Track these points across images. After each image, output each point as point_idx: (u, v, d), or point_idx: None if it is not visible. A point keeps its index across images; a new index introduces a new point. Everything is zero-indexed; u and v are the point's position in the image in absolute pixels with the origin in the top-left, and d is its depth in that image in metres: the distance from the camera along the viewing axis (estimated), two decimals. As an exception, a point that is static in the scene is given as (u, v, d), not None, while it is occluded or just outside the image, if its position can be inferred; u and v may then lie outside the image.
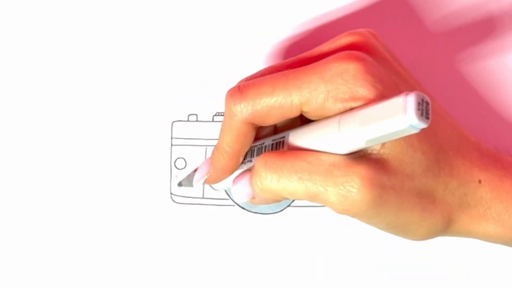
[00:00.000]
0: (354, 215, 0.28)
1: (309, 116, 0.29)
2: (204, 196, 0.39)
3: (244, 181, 0.32)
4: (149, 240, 0.39)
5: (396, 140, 0.28)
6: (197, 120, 0.39)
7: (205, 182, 0.35)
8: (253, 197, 0.32)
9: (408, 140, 0.28)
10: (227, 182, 0.34)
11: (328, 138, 0.28)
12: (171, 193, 0.39)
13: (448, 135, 0.31)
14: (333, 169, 0.28)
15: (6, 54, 0.39)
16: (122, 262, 0.39)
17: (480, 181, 0.31)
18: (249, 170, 0.32)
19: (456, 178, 0.30)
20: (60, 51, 0.39)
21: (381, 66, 0.29)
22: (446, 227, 0.31)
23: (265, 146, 0.32)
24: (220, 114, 0.39)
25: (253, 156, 0.33)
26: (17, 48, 0.39)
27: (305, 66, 0.29)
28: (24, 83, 0.39)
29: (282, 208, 0.39)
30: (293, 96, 0.28)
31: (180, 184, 0.38)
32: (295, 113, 0.29)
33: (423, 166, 0.29)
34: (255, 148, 0.33)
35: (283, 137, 0.31)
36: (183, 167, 0.39)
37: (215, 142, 0.38)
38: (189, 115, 0.39)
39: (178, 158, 0.39)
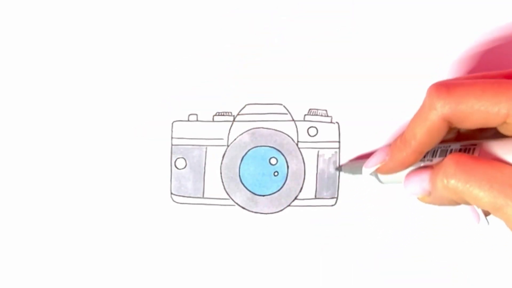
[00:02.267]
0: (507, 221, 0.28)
1: (508, 129, 0.29)
2: (204, 196, 0.39)
3: (424, 176, 0.31)
4: (149, 240, 0.39)
5: None
6: (197, 120, 0.39)
7: (377, 170, 0.34)
8: (429, 194, 0.31)
9: None
10: (398, 176, 0.34)
11: None
12: (171, 193, 0.39)
13: None
14: None
15: (6, 54, 0.39)
16: (122, 262, 0.39)
17: None
18: (426, 167, 0.31)
19: None
20: (60, 52, 0.39)
21: None
22: None
23: (452, 149, 0.32)
24: (220, 114, 0.39)
25: (435, 156, 0.32)
26: (17, 48, 0.39)
27: None
28: (24, 83, 0.39)
29: (282, 208, 0.39)
30: (502, 105, 0.28)
31: (339, 169, 0.38)
32: (497, 123, 0.29)
33: None
34: (439, 150, 0.32)
35: (475, 144, 0.31)
36: (183, 167, 0.39)
37: (215, 142, 0.38)
38: (189, 115, 0.39)
39: (178, 158, 0.39)
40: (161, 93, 0.39)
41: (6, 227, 0.39)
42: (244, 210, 0.39)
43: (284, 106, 0.39)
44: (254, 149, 0.39)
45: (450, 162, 0.29)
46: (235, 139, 0.39)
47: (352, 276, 0.39)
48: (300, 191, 0.39)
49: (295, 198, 0.39)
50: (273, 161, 0.39)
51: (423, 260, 0.38)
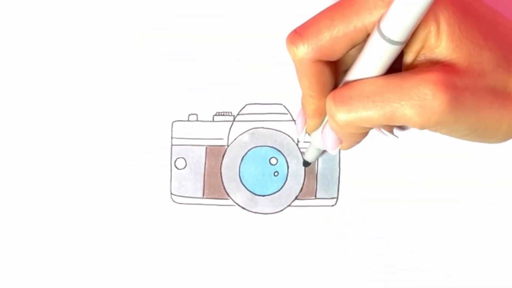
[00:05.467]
0: (435, 124, 0.28)
1: None
2: (204, 196, 0.39)
3: (328, 127, 0.32)
4: (149, 240, 0.39)
5: (460, 41, 0.28)
6: (197, 120, 0.39)
7: (307, 131, 0.34)
8: (340, 142, 0.32)
9: (473, 40, 0.28)
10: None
11: (378, 48, 0.28)
12: (171, 193, 0.39)
13: (508, 30, 0.31)
14: (403, 83, 0.27)
15: (6, 54, 0.39)
16: (122, 262, 0.39)
17: None
18: None
19: None
20: (60, 52, 0.39)
21: None
22: None
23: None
24: (220, 114, 0.39)
25: None
26: (17, 48, 0.39)
27: None
28: (24, 83, 0.39)
29: (282, 208, 0.39)
30: (354, 21, 0.28)
31: (306, 165, 0.38)
32: (362, 37, 0.29)
33: (492, 63, 0.29)
34: None
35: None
36: (183, 167, 0.39)
37: (215, 142, 0.38)
38: (189, 115, 0.39)
39: (178, 158, 0.39)
40: (161, 93, 0.39)
41: (6, 227, 0.39)
42: (244, 210, 0.39)
43: (284, 106, 0.39)
44: (254, 149, 0.39)
45: (328, 102, 0.29)
46: (235, 139, 0.39)
47: (352, 276, 0.39)
48: (300, 191, 0.39)
49: (295, 198, 0.39)
50: (273, 161, 0.39)
51: (422, 260, 0.38)
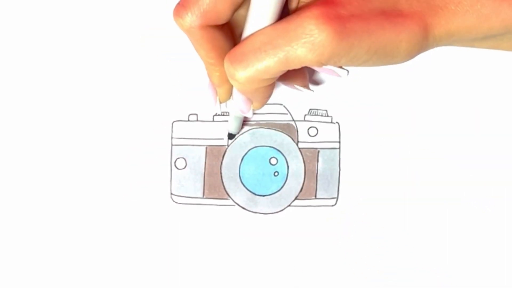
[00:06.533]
0: (330, 57, 0.28)
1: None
2: (204, 196, 0.39)
3: (235, 90, 0.32)
4: (149, 240, 0.39)
5: None
6: (197, 120, 0.39)
7: (220, 101, 0.34)
8: (251, 102, 0.32)
9: None
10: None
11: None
12: (171, 193, 0.39)
13: None
14: (288, 26, 0.28)
15: (6, 54, 0.39)
16: (122, 262, 0.39)
17: None
18: None
19: None
20: (60, 52, 0.39)
21: None
22: (426, 35, 0.30)
23: None
24: (220, 114, 0.39)
25: None
26: (17, 48, 0.39)
27: None
28: (24, 83, 0.39)
29: (282, 208, 0.39)
30: None
31: (230, 136, 0.38)
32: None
33: None
34: None
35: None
36: (183, 167, 0.39)
37: (216, 142, 0.38)
38: (189, 115, 0.39)
39: (178, 158, 0.39)
40: (161, 93, 0.39)
41: (6, 227, 0.39)
42: (244, 210, 0.39)
43: (284, 106, 0.39)
44: (254, 149, 0.39)
45: (225, 64, 0.29)
46: (235, 139, 0.39)
47: (352, 276, 0.39)
48: (300, 191, 0.39)
49: (295, 198, 0.39)
50: (273, 161, 0.39)
51: (422, 260, 0.39)
